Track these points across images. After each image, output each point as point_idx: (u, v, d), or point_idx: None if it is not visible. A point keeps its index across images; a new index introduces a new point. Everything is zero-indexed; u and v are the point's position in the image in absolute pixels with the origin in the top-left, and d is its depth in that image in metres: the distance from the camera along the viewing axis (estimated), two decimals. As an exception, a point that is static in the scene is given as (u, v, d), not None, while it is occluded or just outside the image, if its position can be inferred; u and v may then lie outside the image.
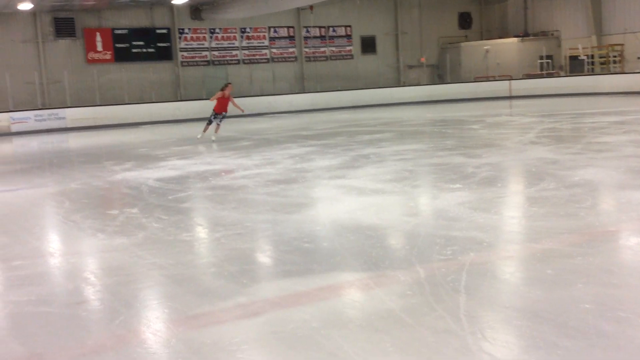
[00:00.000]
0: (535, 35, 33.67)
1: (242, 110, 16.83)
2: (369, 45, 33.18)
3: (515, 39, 33.27)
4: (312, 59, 32.07)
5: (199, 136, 16.02)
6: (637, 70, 27.71)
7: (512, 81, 29.47)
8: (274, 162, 11.22)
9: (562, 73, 31.54)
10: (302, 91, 31.06)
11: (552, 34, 33.16)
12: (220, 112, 15.85)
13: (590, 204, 6.46)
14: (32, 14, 26.18)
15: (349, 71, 32.54)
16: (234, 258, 5.19)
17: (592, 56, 30.68)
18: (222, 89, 15.84)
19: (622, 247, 5.04)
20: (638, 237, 5.32)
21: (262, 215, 6.77)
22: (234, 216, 6.80)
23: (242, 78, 30.26)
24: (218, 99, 15.79)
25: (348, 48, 32.73)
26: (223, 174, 10.22)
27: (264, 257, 5.36)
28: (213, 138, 15.66)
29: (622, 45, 30.37)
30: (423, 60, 33.59)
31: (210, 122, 15.92)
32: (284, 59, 31.44)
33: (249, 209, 7.19)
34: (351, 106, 28.45)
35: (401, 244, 5.51)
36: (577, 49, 30.76)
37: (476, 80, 31.04)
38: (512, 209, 6.67)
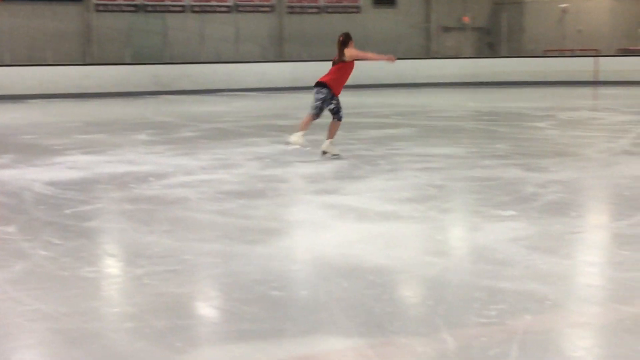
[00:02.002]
0: (637, -10, 34.12)
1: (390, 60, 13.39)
2: (384, -7, 33.42)
3: (605, -5, 33.66)
4: (296, 9, 32.20)
5: (293, 142, 11.78)
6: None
7: (600, 58, 29.67)
8: (230, 164, 11.20)
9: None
10: (280, 59, 31.18)
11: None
12: (336, 93, 12.08)
13: None
14: None
15: (352, 32, 32.67)
16: (162, 308, 5.15)
17: None
18: (343, 46, 12.62)
19: None
20: None
21: (208, 245, 6.72)
22: (165, 244, 6.75)
23: (189, 34, 30.30)
24: (336, 68, 12.56)
25: (353, -4, 32.93)
26: (152, 179, 10.18)
27: (209, 309, 5.33)
28: (331, 151, 11.81)
29: None
30: (467, 20, 33.82)
31: (317, 114, 11.88)
32: (253, 9, 31.55)
33: (189, 234, 7.13)
34: (354, 85, 28.38)
35: (421, 297, 5.49)
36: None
37: (546, 54, 31.28)
38: (592, 251, 6.67)
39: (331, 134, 11.71)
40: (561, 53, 32.24)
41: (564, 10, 32.92)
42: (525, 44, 33.28)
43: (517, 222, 7.33)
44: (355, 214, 7.83)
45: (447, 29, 34.08)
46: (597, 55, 30.04)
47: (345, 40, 12.18)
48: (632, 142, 13.00)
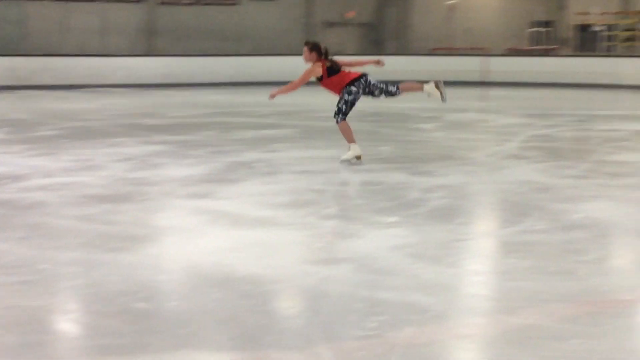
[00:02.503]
0: (527, -12, 34.99)
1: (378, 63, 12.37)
2: (264, -15, 33.47)
3: (496, -7, 34.43)
4: (169, 0, 31.94)
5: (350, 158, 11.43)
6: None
7: (489, 58, 30.29)
8: (94, 166, 11.04)
9: (565, 50, 32.77)
10: (150, 53, 30.87)
11: (554, -11, 34.60)
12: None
13: (597, 256, 6.68)
14: None
15: (229, 25, 32.65)
16: (14, 323, 5.04)
17: (613, 27, 32.03)
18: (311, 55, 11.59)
19: (643, 327, 5.23)
20: (667, 311, 5.54)
21: (68, 253, 6.62)
22: (20, 252, 6.62)
23: (49, 24, 29.73)
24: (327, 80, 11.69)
25: (230, -13, 32.89)
26: (7, 181, 9.97)
27: (67, 323, 5.22)
28: (351, 158, 11.47)
29: (659, 13, 31.88)
30: (351, 15, 34.10)
31: (343, 117, 11.65)
32: (121, -2, 31.13)
33: (47, 241, 7.02)
34: (230, 82, 28.50)
35: (297, 308, 5.51)
36: (590, 14, 32.04)
37: (434, 52, 31.77)
38: (478, 259, 6.79)
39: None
40: (449, 52, 32.81)
41: (452, 7, 33.55)
42: (412, 42, 33.79)
43: (400, 229, 7.42)
44: (230, 220, 7.80)
45: (330, 25, 34.30)
46: (486, 54, 30.68)
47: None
48: (520, 145, 13.31)
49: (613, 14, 31.77)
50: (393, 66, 29.51)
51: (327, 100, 23.69)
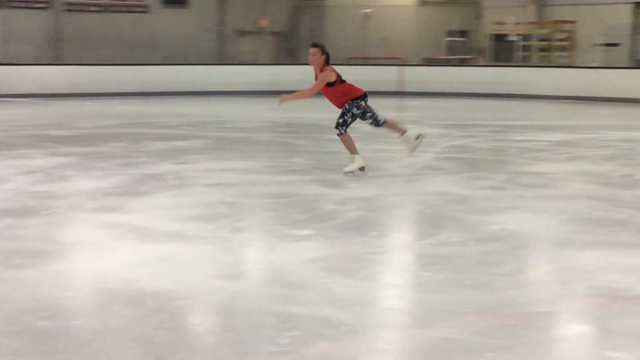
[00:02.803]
0: (443, -3, 35.33)
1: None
2: (175, -8, 33.31)
3: (411, 1, 34.69)
4: (76, 7, 31.62)
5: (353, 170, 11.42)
6: (594, 65, 29.68)
7: (405, 68, 30.51)
8: (-3, 178, 10.87)
9: (481, 60, 33.20)
10: (57, 61, 30.48)
11: (469, -2, 35.02)
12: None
13: (513, 268, 6.76)
14: None
15: (139, 33, 32.42)
16: None
17: (529, 37, 32.51)
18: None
19: (558, 340, 5.29)
20: (581, 323, 5.62)
21: (-32, 270, 6.49)
22: None
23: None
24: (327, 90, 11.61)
25: (140, -6, 32.65)
26: None
27: (-33, 343, 5.12)
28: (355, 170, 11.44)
29: (573, 23, 32.47)
30: (264, 24, 34.13)
31: (345, 129, 11.44)
32: (26, 4, 30.74)
33: (-55, 257, 6.87)
34: (140, 92, 28.25)
35: (208, 324, 5.48)
36: (506, 24, 32.50)
37: (349, 62, 31.91)
38: (392, 273, 6.83)
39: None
40: (365, 61, 33.00)
41: (367, 16, 33.77)
42: (327, 51, 33.89)
43: (314, 242, 7.42)
44: (139, 234, 7.73)
45: (243, 33, 34.25)
46: (402, 64, 30.92)
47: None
48: (436, 156, 13.43)
49: (528, 24, 32.28)
50: (307, 75, 29.70)
51: (239, 111, 23.69)
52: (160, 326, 5.22)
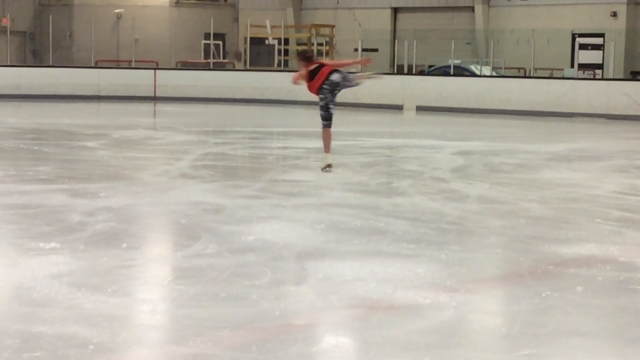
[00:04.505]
0: (197, -2, 35.36)
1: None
2: None
3: (166, 1, 34.55)
4: None
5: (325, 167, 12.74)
6: (353, 70, 30.43)
7: (159, 72, 30.39)
8: None
9: (238, 64, 33.48)
10: None
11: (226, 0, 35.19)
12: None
13: (269, 280, 6.82)
14: None
15: None
16: None
17: (286, 41, 33.07)
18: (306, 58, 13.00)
19: (315, 353, 5.35)
20: (339, 335, 5.71)
21: None
22: None
23: None
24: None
25: None
26: None
27: None
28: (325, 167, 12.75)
29: (332, 27, 33.27)
30: (5, 22, 33.15)
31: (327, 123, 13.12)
32: None
33: None
34: None
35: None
36: (263, 27, 32.93)
37: (99, 65, 31.48)
38: (145, 287, 6.77)
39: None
40: (116, 64, 32.64)
41: (119, 16, 33.40)
42: (76, 53, 33.30)
43: (59, 256, 7.26)
44: None
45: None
46: (156, 68, 30.77)
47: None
48: (191, 164, 13.41)
49: (286, 28, 32.79)
50: (55, 79, 29.09)
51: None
52: None
